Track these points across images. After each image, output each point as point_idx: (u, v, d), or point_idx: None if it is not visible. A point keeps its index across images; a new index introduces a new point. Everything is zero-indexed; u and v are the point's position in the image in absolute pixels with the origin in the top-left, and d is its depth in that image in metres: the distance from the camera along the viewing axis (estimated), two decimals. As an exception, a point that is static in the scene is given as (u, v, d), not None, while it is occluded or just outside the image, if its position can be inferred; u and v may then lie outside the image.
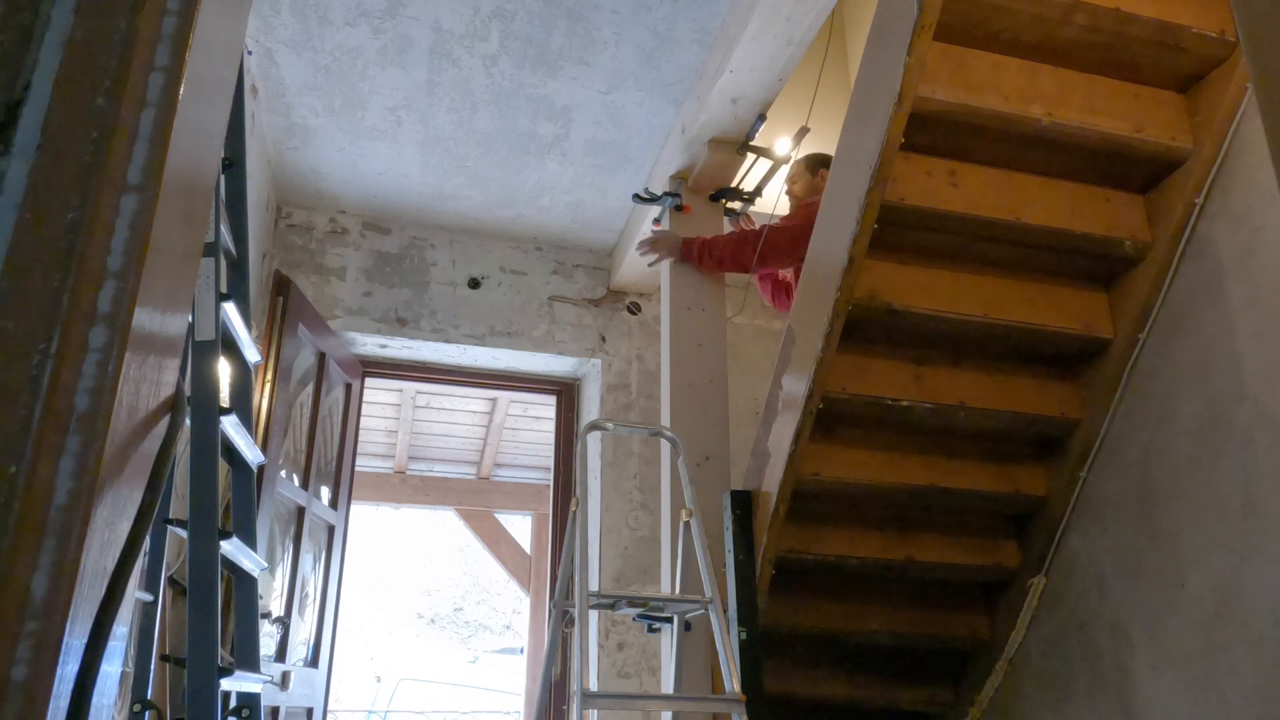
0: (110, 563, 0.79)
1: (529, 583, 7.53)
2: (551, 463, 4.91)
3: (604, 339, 4.71)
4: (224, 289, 1.84)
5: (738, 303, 4.59)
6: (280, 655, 3.71)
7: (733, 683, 2.27)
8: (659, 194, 3.75)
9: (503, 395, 6.30)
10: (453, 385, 5.07)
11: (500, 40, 3.44)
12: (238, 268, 2.10)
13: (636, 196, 3.80)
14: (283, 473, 3.82)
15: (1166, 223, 2.48)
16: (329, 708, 4.21)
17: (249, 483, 2.04)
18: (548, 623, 2.69)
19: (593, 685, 4.06)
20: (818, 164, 3.45)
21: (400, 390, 6.45)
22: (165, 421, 0.93)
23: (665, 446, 3.42)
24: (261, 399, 3.71)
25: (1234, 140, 2.34)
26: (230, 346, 1.96)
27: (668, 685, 3.09)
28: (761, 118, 3.52)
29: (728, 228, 3.82)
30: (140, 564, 2.21)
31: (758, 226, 3.37)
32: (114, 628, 0.77)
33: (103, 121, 0.73)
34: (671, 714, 3.02)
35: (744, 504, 2.78)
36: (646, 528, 4.43)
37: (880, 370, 2.64)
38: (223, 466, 1.89)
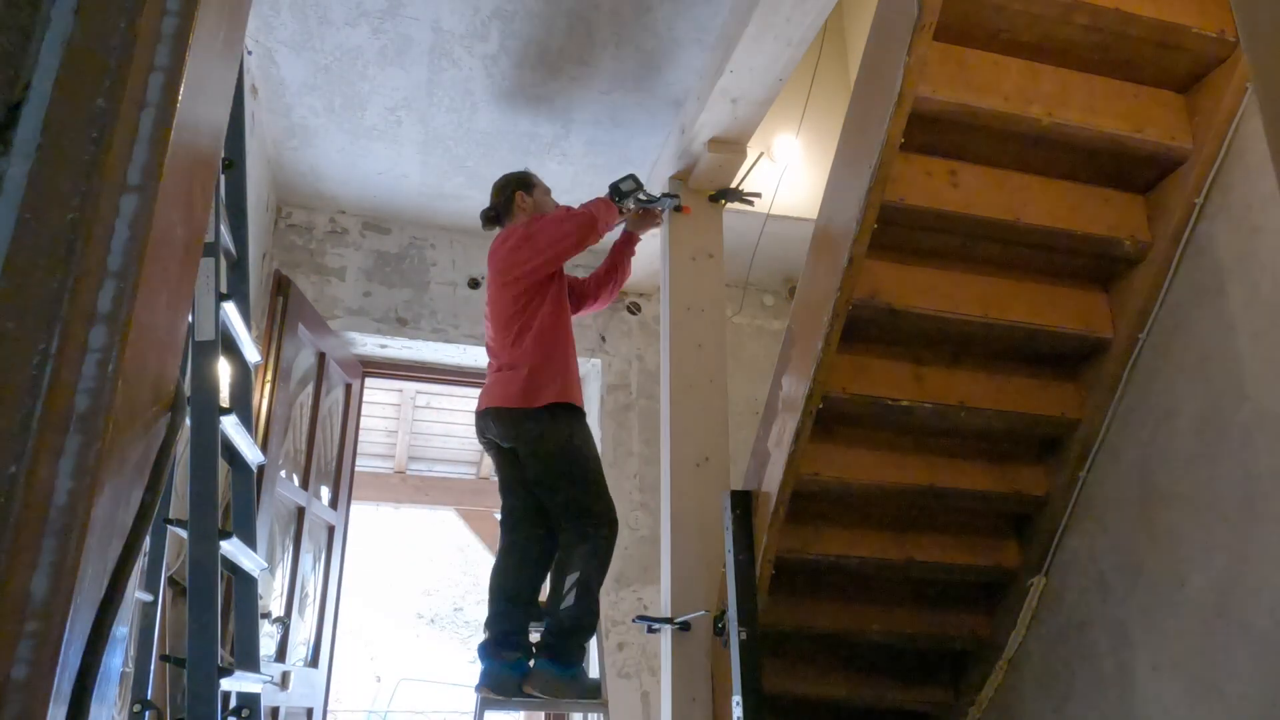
0: (110, 563, 0.79)
1: (529, 583, 7.52)
2: (551, 463, 4.90)
3: (604, 339, 4.72)
4: (224, 289, 1.85)
5: (737, 303, 4.60)
6: (280, 655, 3.71)
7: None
8: (658, 195, 3.75)
9: (503, 395, 6.28)
10: (453, 385, 5.08)
11: (500, 40, 3.44)
12: (238, 268, 2.10)
13: (635, 199, 3.80)
14: (283, 473, 3.82)
15: (1166, 223, 2.48)
16: (329, 708, 4.21)
17: (249, 483, 2.04)
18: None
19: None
20: (520, 186, 3.35)
21: (400, 390, 6.45)
22: (165, 421, 0.93)
23: (665, 447, 3.43)
24: (261, 399, 3.71)
25: (1234, 140, 2.34)
26: (230, 346, 1.96)
27: (667, 685, 3.09)
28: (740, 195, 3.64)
29: (727, 228, 3.82)
30: (140, 564, 2.21)
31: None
32: (114, 628, 0.77)
33: (103, 121, 0.73)
34: (671, 712, 3.02)
35: (744, 504, 2.78)
36: (646, 528, 4.43)
37: (880, 370, 2.64)
38: (223, 466, 1.89)
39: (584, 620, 2.84)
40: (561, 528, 2.94)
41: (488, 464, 7.29)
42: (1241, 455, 2.19)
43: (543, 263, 3.07)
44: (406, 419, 6.88)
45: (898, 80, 2.21)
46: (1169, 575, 2.38)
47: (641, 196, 3.43)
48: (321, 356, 4.22)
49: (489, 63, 3.55)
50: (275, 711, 3.65)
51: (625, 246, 3.48)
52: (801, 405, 2.52)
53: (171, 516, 2.25)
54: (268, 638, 3.62)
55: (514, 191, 3.32)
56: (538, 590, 3.01)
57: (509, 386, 2.99)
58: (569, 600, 2.81)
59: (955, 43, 2.34)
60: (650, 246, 4.24)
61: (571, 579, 2.83)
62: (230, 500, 2.09)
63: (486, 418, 3.05)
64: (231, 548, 1.79)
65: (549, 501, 2.96)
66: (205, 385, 1.74)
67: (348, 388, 4.54)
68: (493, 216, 3.41)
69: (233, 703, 1.88)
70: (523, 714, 5.29)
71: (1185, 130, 2.45)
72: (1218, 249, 2.34)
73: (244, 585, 1.98)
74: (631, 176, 3.37)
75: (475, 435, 3.19)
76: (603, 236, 3.19)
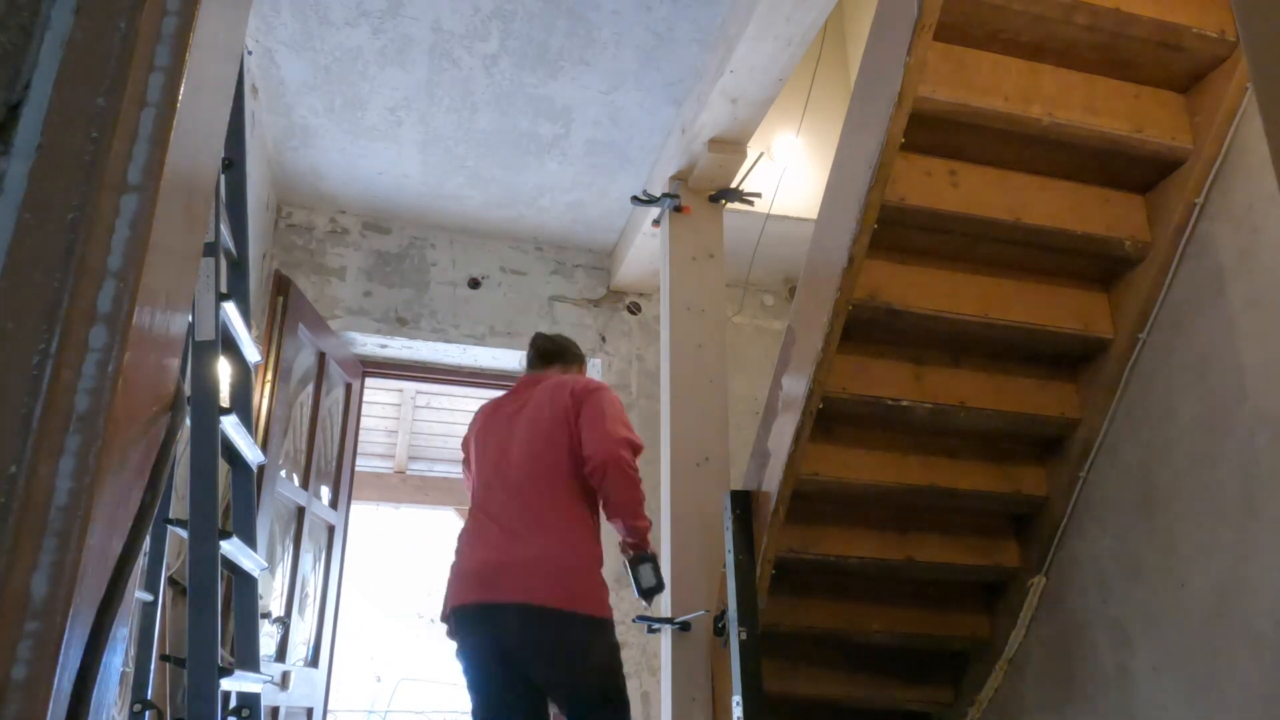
0: (110, 563, 0.79)
1: (529, 583, 7.52)
2: (551, 463, 4.90)
3: (604, 339, 4.72)
4: (224, 289, 1.85)
5: (737, 303, 4.59)
6: (280, 655, 3.71)
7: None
8: (658, 195, 3.75)
9: (503, 395, 6.29)
10: (453, 385, 5.08)
11: (500, 40, 3.44)
12: (238, 268, 2.10)
13: (635, 199, 3.80)
14: (283, 473, 3.82)
15: (1166, 223, 2.48)
16: (329, 708, 4.21)
17: (249, 483, 2.04)
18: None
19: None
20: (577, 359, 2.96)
21: (400, 390, 6.45)
22: (165, 421, 0.93)
23: (665, 447, 3.43)
24: (261, 399, 3.71)
25: (1234, 140, 2.34)
26: (230, 346, 1.96)
27: (667, 685, 3.09)
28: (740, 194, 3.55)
29: (727, 228, 3.82)
30: (140, 564, 2.21)
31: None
32: (114, 628, 0.77)
33: (103, 121, 0.73)
34: (671, 712, 3.02)
35: (744, 504, 2.78)
36: (646, 528, 4.43)
37: (880, 370, 2.64)
38: (223, 466, 1.89)
39: None
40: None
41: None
42: (1241, 455, 2.19)
43: (620, 442, 2.56)
44: (406, 419, 6.88)
45: (898, 80, 2.21)
46: (1169, 575, 2.38)
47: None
48: (321, 356, 4.22)
49: (489, 63, 3.55)
50: (275, 711, 3.65)
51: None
52: (801, 405, 2.52)
53: (171, 516, 2.25)
54: (268, 638, 3.62)
55: (583, 363, 2.99)
56: None
57: (552, 579, 2.42)
58: None
59: (955, 43, 2.34)
60: (650, 246, 4.24)
61: None
62: (230, 500, 2.09)
63: (500, 615, 2.41)
64: (231, 548, 1.79)
65: (561, 696, 2.48)
66: (205, 385, 1.74)
67: (348, 388, 4.54)
68: (552, 357, 2.91)
69: (233, 703, 1.88)
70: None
71: (1185, 130, 2.45)
72: (1218, 249, 2.34)
73: (244, 585, 1.98)
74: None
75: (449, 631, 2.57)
76: (633, 526, 2.60)
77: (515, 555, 2.46)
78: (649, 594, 2.62)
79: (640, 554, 2.61)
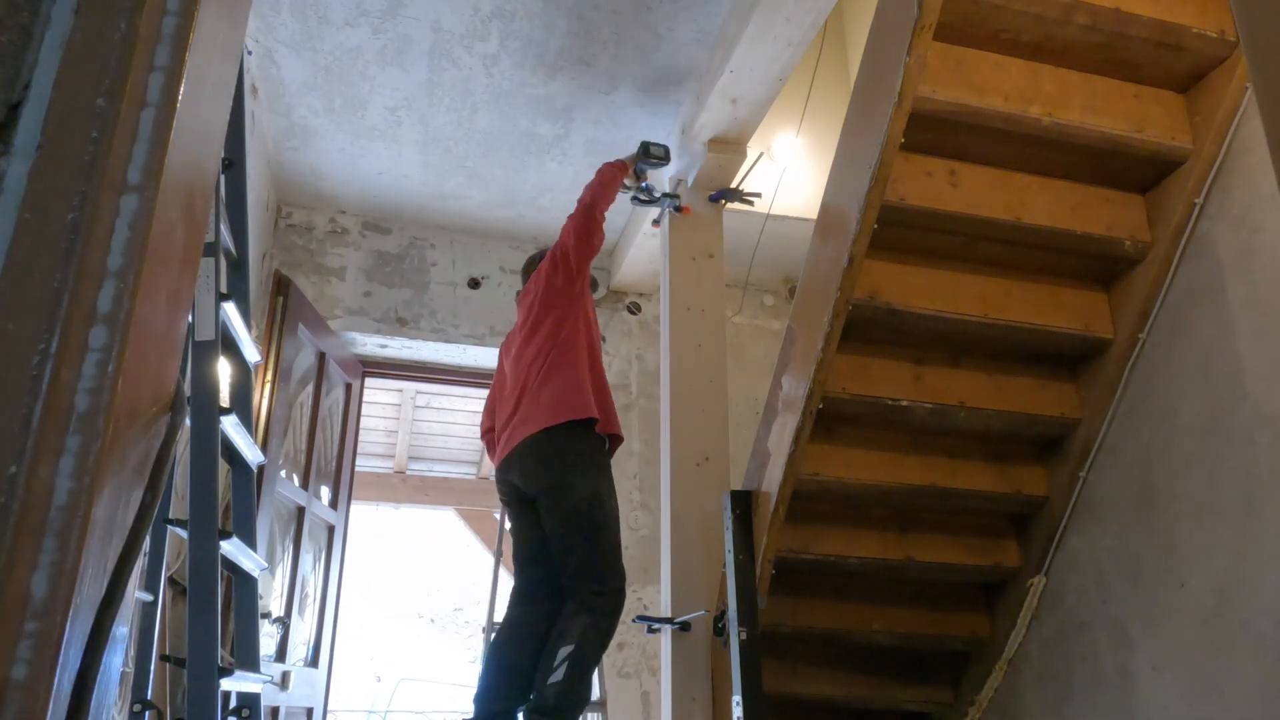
0: (110, 563, 0.79)
1: (529, 583, 7.51)
2: (551, 463, 4.90)
3: (604, 339, 4.71)
4: (224, 289, 1.85)
5: (737, 303, 4.59)
6: (280, 655, 3.71)
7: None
8: (658, 195, 3.75)
9: (503, 395, 6.29)
10: (453, 385, 5.08)
11: (500, 40, 3.44)
12: (238, 268, 2.10)
13: (635, 199, 3.80)
14: (283, 473, 3.82)
15: (1166, 223, 2.48)
16: (329, 708, 4.21)
17: (249, 483, 2.04)
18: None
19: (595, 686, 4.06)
20: None
21: (400, 390, 6.45)
22: (165, 421, 0.93)
23: (665, 447, 3.42)
24: (261, 399, 3.72)
25: (1234, 140, 2.34)
26: (230, 346, 1.96)
27: (667, 685, 3.09)
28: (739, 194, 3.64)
29: (727, 228, 3.82)
30: (140, 564, 2.21)
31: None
32: (114, 628, 0.77)
33: (103, 121, 0.73)
34: (671, 712, 3.02)
35: (744, 504, 2.78)
36: (647, 528, 4.43)
37: (880, 370, 2.64)
38: (223, 466, 1.89)
39: (572, 700, 2.54)
40: (567, 593, 2.70)
41: (488, 465, 7.29)
42: (1241, 455, 2.19)
43: (563, 276, 2.97)
44: (406, 419, 6.88)
45: (898, 80, 2.21)
46: (1169, 575, 2.38)
47: (641, 196, 3.46)
48: (321, 356, 4.22)
49: (489, 63, 3.55)
50: (275, 711, 3.65)
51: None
52: (801, 405, 2.52)
53: (171, 516, 2.25)
54: (268, 638, 3.62)
55: None
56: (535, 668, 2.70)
57: (537, 406, 2.78)
58: (559, 675, 2.54)
59: (955, 43, 2.34)
60: (650, 246, 4.24)
61: (566, 651, 2.57)
62: (230, 500, 2.09)
63: (512, 460, 2.83)
64: (231, 548, 1.79)
65: (561, 558, 2.72)
66: (205, 385, 1.74)
67: (348, 388, 4.54)
68: (536, 260, 3.30)
69: (233, 703, 1.88)
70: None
71: (1185, 130, 2.46)
72: (1218, 249, 2.34)
73: (244, 585, 1.98)
74: (664, 146, 3.36)
75: (496, 486, 2.98)
76: (607, 208, 3.13)
77: (517, 418, 2.87)
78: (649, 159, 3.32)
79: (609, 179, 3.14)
